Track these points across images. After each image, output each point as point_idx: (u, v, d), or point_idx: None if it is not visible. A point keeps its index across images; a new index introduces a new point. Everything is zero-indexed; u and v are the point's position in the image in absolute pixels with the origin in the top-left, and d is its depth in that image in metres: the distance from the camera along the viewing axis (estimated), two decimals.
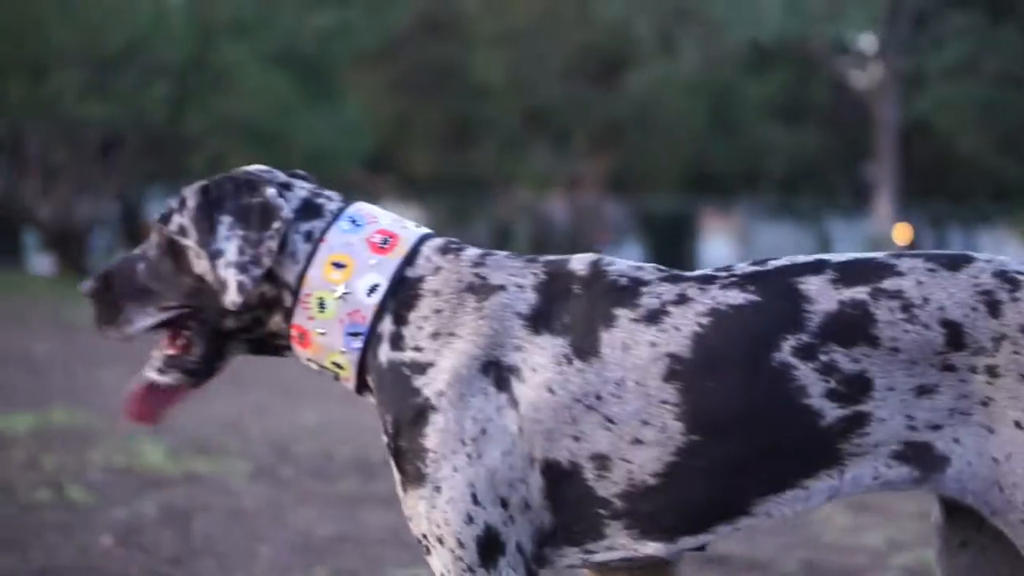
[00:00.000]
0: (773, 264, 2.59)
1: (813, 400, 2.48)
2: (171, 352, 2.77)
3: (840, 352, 2.48)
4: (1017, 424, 2.46)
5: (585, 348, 2.55)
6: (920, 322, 2.48)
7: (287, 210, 2.68)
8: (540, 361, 2.55)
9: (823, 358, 2.48)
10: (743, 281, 2.55)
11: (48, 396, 8.94)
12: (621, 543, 2.58)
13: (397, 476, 2.62)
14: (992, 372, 2.47)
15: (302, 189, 2.75)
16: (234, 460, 6.99)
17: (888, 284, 2.51)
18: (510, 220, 31.96)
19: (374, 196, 32.11)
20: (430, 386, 2.57)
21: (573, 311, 2.58)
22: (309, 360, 2.72)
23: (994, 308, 2.48)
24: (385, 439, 2.63)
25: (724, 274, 2.59)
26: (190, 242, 2.70)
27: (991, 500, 2.50)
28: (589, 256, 2.66)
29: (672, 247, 31.15)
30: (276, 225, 2.65)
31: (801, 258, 2.60)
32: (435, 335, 2.60)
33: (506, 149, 30.68)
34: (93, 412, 8.33)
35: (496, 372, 2.56)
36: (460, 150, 31.14)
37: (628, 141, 31.52)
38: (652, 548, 2.57)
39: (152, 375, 2.78)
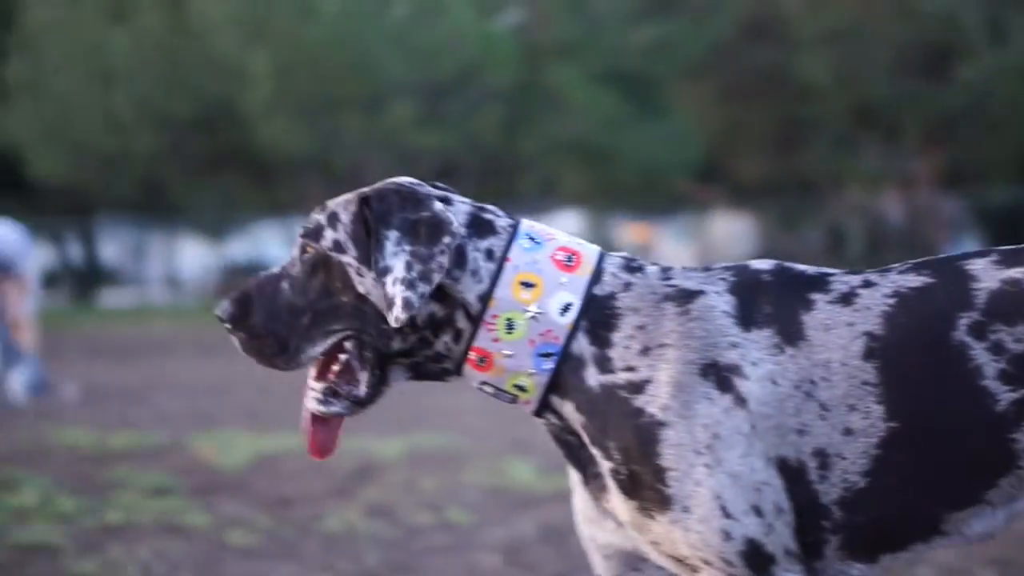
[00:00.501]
0: (942, 255, 2.67)
1: (988, 382, 2.51)
2: (333, 380, 2.62)
3: (1005, 331, 2.52)
4: None
5: (792, 333, 2.54)
6: None
7: (456, 224, 2.55)
8: (758, 355, 2.52)
9: (992, 337, 2.52)
10: (917, 267, 2.63)
11: (411, 421, 9.25)
12: (833, 565, 2.56)
13: (632, 503, 2.52)
14: None
15: (463, 203, 2.64)
16: None
17: None
18: (842, 222, 31.39)
19: (704, 206, 32.12)
20: (653, 403, 2.49)
21: (771, 300, 2.58)
22: (484, 383, 2.60)
23: None
24: (610, 465, 2.53)
25: (897, 264, 2.67)
26: (349, 258, 2.56)
27: None
28: (767, 261, 2.68)
29: (1012, 241, 29.69)
30: (447, 240, 2.52)
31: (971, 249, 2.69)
32: (644, 351, 2.53)
33: (836, 149, 30.17)
34: (455, 434, 8.61)
35: (716, 374, 2.50)
36: (789, 154, 30.76)
37: (961, 134, 30.59)
38: (857, 570, 2.58)
39: (316, 407, 2.63)
